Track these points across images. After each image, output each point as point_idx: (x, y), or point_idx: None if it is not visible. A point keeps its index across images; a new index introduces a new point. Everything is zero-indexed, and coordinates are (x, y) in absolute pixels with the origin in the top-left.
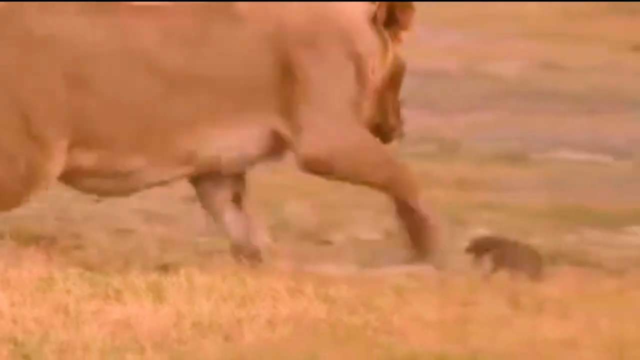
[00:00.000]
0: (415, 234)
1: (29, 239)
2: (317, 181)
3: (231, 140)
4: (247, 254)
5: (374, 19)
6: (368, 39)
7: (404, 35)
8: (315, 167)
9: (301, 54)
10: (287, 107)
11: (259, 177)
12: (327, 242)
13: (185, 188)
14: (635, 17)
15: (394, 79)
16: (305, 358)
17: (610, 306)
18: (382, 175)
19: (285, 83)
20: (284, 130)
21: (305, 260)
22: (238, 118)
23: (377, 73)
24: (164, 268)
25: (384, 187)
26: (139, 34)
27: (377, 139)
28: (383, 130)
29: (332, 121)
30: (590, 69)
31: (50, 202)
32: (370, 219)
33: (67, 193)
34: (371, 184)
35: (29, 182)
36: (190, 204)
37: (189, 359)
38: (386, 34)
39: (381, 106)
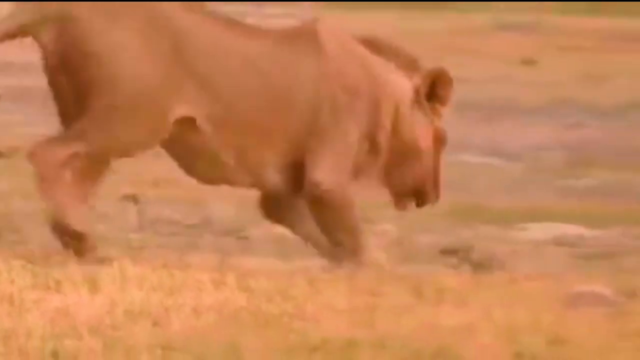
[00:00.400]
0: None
1: None
2: None
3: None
4: None
5: (417, 92)
6: (407, 110)
7: (443, 110)
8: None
9: (342, 101)
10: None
11: (185, 179)
12: (247, 238)
13: (119, 189)
14: (522, 34)
15: (433, 147)
16: (227, 343)
17: (503, 296)
18: (345, 234)
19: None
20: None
21: (227, 254)
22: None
23: (418, 142)
24: (100, 261)
25: (338, 243)
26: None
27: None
28: (419, 195)
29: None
30: (485, 81)
31: None
32: None
33: (10, 191)
34: (331, 235)
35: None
36: (124, 203)
37: (121, 344)
38: (427, 107)
39: (420, 172)
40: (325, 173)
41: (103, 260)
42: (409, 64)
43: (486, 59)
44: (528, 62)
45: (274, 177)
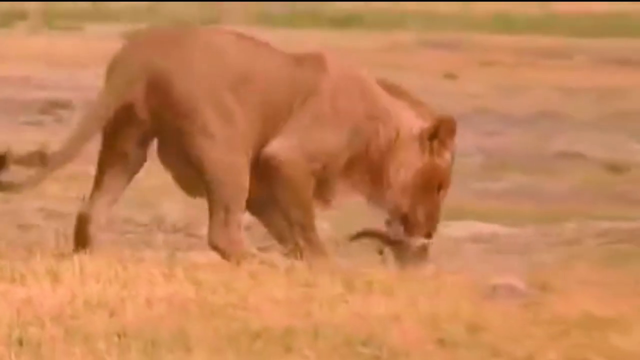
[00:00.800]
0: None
1: None
2: None
3: None
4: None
5: (421, 132)
6: (409, 141)
7: (443, 152)
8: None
9: (327, 114)
10: None
11: (138, 179)
12: (195, 235)
13: (78, 189)
14: (444, 51)
15: (429, 182)
16: (177, 331)
17: (427, 288)
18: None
19: None
20: None
21: (177, 250)
22: None
23: (416, 173)
24: (61, 256)
25: (291, 221)
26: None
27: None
28: (408, 221)
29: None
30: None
31: None
32: None
33: None
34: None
35: None
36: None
37: (81, 332)
38: (427, 144)
39: (412, 201)
40: (282, 147)
41: (63, 256)
42: (421, 108)
43: (411, 73)
44: (450, 76)
45: None
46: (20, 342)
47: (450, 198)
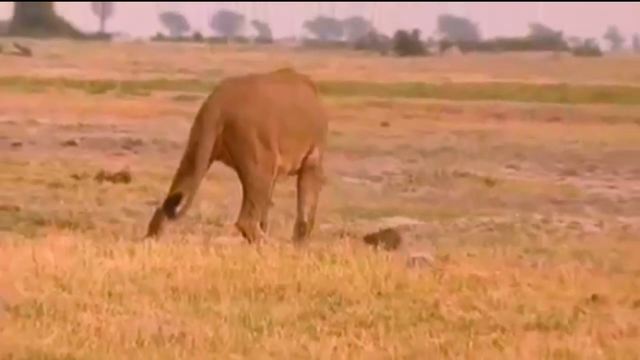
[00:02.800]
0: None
1: None
2: None
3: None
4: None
5: None
6: None
7: None
8: None
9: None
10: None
11: None
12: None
13: (147, 197)
14: (380, 107)
15: None
16: (210, 287)
17: (371, 259)
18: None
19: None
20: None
21: (210, 235)
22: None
23: None
24: (136, 239)
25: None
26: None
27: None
28: None
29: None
30: (358, 134)
31: None
32: None
33: None
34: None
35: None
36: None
37: (148, 287)
38: None
39: None
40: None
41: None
42: None
43: (360, 122)
44: (384, 124)
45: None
46: (110, 294)
47: (386, 202)
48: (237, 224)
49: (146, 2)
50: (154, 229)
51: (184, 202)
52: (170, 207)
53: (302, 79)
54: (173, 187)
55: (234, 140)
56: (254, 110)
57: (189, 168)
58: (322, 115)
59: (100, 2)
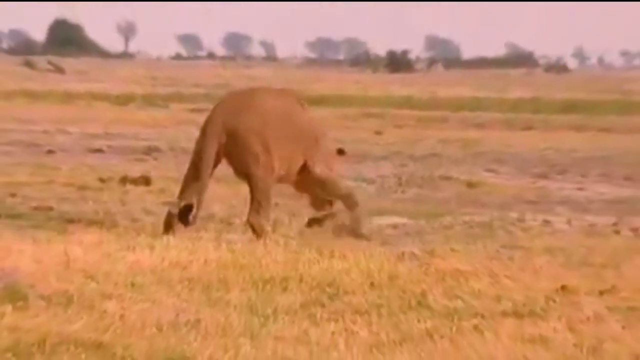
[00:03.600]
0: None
1: None
2: None
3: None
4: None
5: None
6: None
7: None
8: None
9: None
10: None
11: None
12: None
13: (164, 198)
14: (374, 118)
15: None
16: (221, 278)
17: (365, 254)
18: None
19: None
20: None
21: (221, 232)
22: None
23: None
24: (154, 236)
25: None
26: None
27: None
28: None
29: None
30: (355, 141)
31: None
32: None
33: None
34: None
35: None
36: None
37: (166, 279)
38: None
39: None
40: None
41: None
42: None
43: (356, 131)
44: (378, 132)
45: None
46: (132, 285)
47: (379, 202)
48: (247, 221)
49: (165, 24)
50: (167, 227)
51: (194, 208)
52: (184, 216)
53: (293, 94)
54: (181, 191)
55: (236, 147)
56: (253, 119)
57: (194, 174)
58: (312, 126)
59: (124, 25)
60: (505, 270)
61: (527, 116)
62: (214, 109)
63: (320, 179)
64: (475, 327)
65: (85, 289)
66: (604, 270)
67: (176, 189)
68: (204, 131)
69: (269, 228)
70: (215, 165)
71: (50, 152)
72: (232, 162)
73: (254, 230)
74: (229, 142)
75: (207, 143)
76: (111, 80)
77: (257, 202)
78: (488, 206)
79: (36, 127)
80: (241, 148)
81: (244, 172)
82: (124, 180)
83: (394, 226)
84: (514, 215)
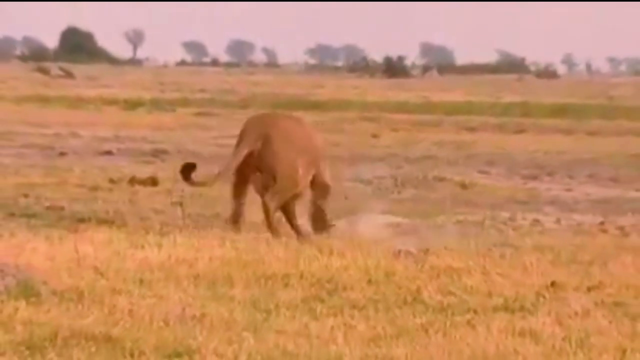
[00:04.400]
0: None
1: None
2: None
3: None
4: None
5: None
6: None
7: None
8: None
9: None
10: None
11: (206, 194)
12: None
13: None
14: (371, 122)
15: None
16: (225, 275)
17: (363, 251)
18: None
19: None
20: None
21: (226, 232)
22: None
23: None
24: (162, 234)
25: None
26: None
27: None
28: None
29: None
30: (350, 143)
31: None
32: None
33: None
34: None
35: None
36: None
37: (173, 275)
38: None
39: None
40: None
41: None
42: None
43: (354, 134)
44: (375, 135)
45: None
46: (141, 281)
47: (375, 202)
48: (263, 200)
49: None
50: (235, 221)
51: (220, 170)
52: (186, 172)
53: (302, 119)
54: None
55: (271, 149)
56: (284, 130)
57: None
58: (323, 145)
59: (132, 32)
60: (496, 268)
61: (518, 120)
62: (246, 124)
63: (323, 184)
64: (468, 322)
65: (96, 285)
66: (591, 267)
67: (183, 189)
68: (242, 135)
69: (278, 214)
70: (251, 170)
71: (62, 154)
72: (262, 165)
73: (265, 211)
74: (264, 147)
75: (242, 145)
76: (120, 85)
77: (277, 190)
78: (480, 206)
79: (49, 131)
80: (272, 152)
81: (272, 171)
82: (132, 181)
83: (391, 225)
84: (505, 214)
